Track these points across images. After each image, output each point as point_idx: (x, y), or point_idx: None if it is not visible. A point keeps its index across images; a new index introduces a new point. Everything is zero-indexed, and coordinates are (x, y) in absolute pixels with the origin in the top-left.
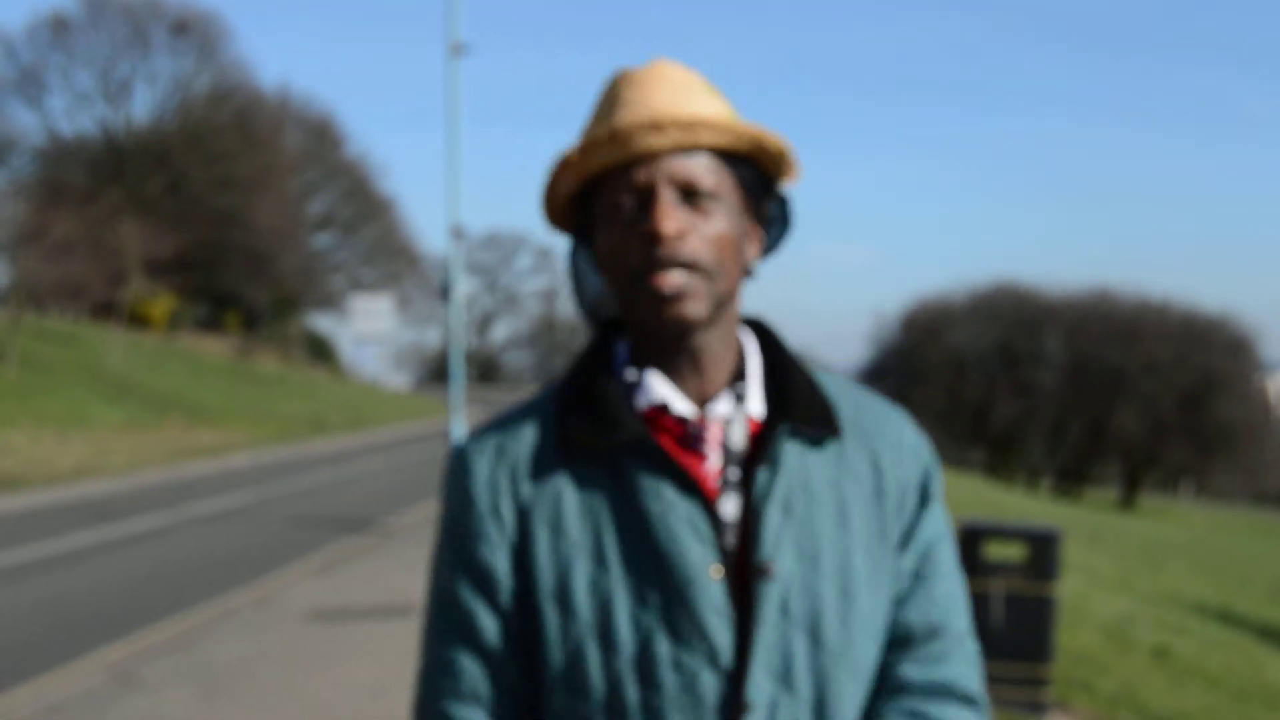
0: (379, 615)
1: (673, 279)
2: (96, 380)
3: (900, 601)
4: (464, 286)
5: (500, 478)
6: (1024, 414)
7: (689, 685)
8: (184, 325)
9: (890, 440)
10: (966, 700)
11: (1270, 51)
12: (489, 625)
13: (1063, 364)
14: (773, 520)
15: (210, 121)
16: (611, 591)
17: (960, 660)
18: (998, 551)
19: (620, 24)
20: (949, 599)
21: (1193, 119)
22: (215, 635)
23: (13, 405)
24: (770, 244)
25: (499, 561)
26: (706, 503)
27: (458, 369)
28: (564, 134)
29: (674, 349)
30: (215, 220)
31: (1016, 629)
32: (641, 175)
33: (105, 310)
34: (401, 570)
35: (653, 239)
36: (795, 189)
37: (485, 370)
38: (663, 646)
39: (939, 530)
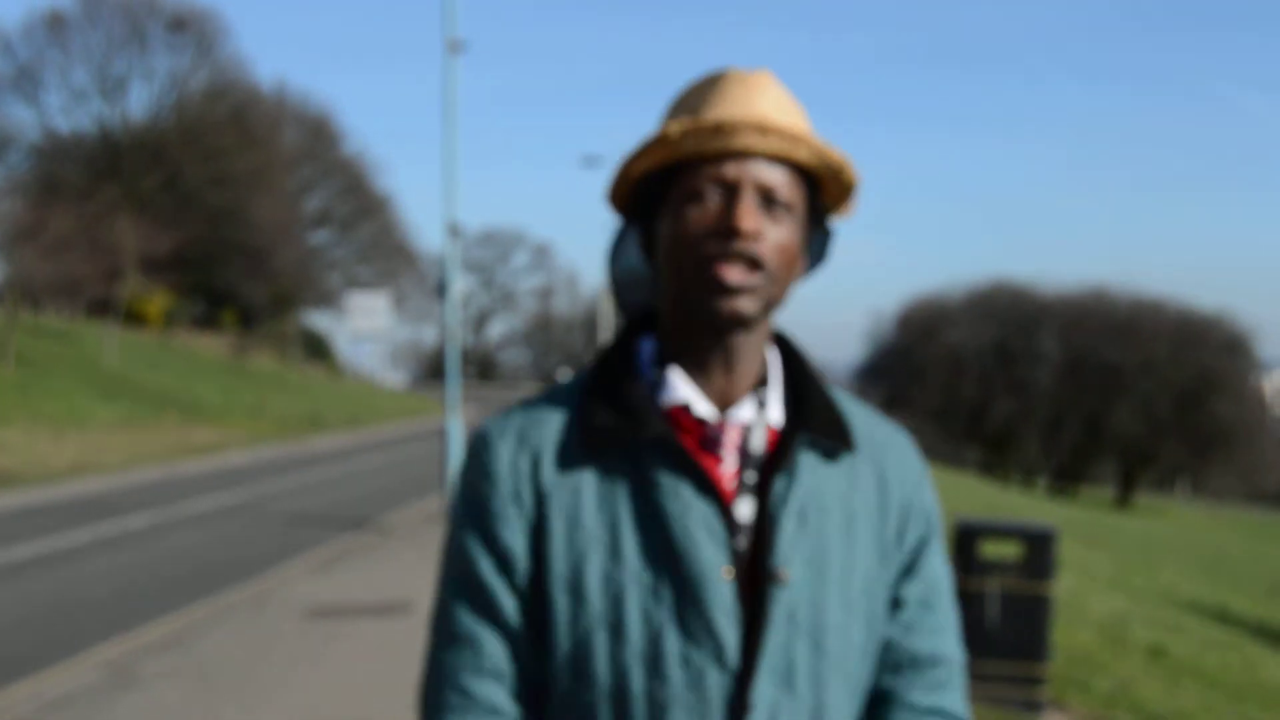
0: (376, 613)
1: (738, 273)
2: (92, 378)
3: (907, 627)
4: (460, 284)
5: (522, 463)
6: (1020, 412)
7: (695, 681)
8: (180, 322)
9: (897, 461)
10: None
11: (1268, 53)
12: (509, 605)
13: (1059, 362)
14: (788, 528)
15: (207, 118)
16: (624, 584)
17: (957, 689)
18: (993, 550)
19: (617, 23)
20: (948, 628)
21: (1189, 118)
22: (212, 633)
23: (8, 403)
24: (809, 269)
25: (518, 544)
26: (722, 505)
27: (454, 366)
28: (561, 131)
29: (708, 346)
30: (212, 217)
31: (1012, 628)
32: (732, 170)
33: (101, 307)
34: (399, 568)
35: (732, 232)
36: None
37: (484, 368)
38: (672, 641)
39: (942, 559)
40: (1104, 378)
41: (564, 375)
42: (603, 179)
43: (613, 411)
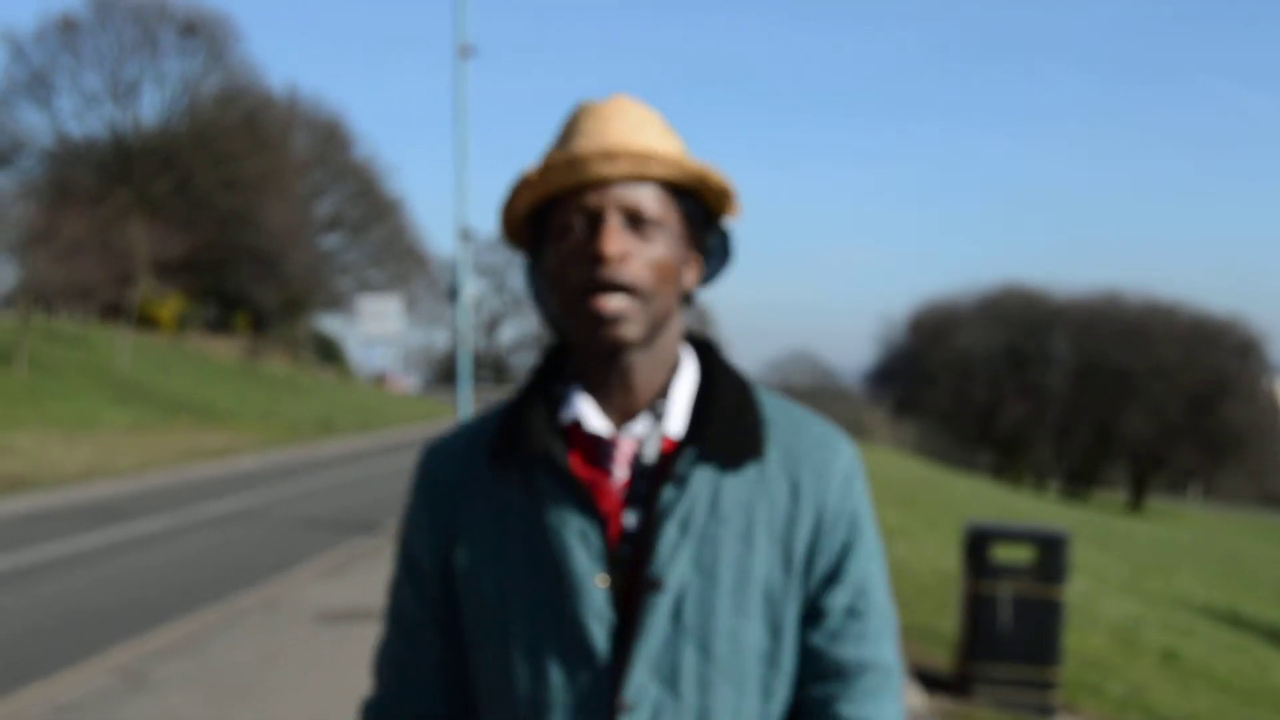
0: None
1: (612, 302)
2: (105, 382)
3: (832, 635)
4: (472, 288)
5: (441, 480)
6: (1032, 416)
7: (571, 682)
8: (192, 327)
9: (816, 467)
10: None
11: (1277, 56)
12: (412, 606)
13: (1071, 366)
14: (669, 535)
15: (219, 123)
16: (512, 591)
17: (887, 696)
18: (1005, 554)
19: (626, 28)
20: (880, 634)
21: (1200, 123)
22: (224, 637)
23: (21, 407)
24: (710, 273)
25: (425, 552)
26: (600, 518)
27: (465, 370)
28: None
29: (605, 367)
30: (223, 221)
31: (1024, 632)
32: (592, 199)
33: (114, 311)
34: None
35: (597, 259)
36: (805, 193)
37: (499, 372)
38: (550, 645)
39: (872, 564)
40: (1116, 381)
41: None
42: None
43: (513, 430)
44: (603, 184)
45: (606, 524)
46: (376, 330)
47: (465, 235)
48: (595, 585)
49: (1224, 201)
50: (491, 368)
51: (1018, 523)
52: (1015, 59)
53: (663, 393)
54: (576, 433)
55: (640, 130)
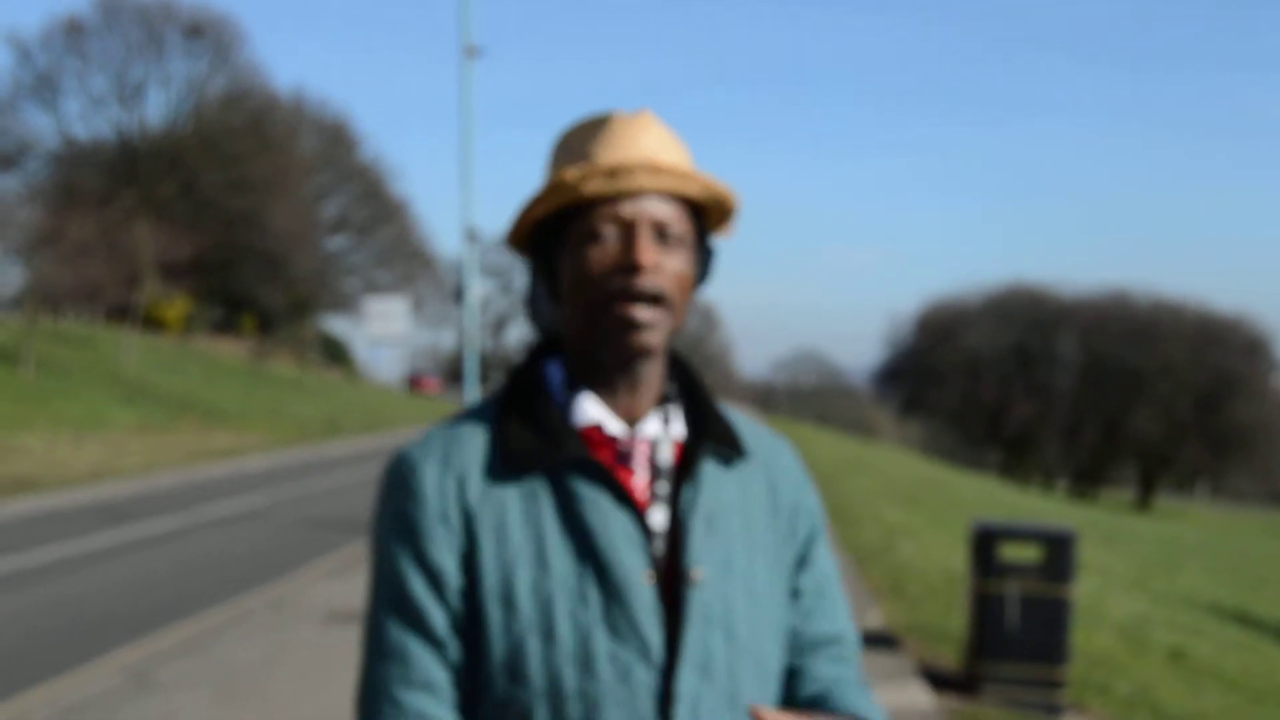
0: None
1: (644, 310)
2: (112, 382)
3: (807, 614)
4: (478, 289)
5: (448, 485)
6: (1039, 415)
7: (624, 676)
8: (199, 328)
9: (783, 468)
10: (861, 689)
11: None
12: (439, 619)
13: (1078, 365)
14: (698, 532)
15: (224, 124)
16: (553, 592)
17: (854, 662)
18: (1013, 553)
19: (633, 30)
20: (842, 612)
21: (1208, 121)
22: (230, 637)
23: (29, 407)
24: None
25: (448, 562)
26: (639, 515)
27: (472, 371)
28: None
29: (615, 372)
30: (230, 223)
31: (1032, 630)
32: (628, 209)
33: (120, 313)
34: None
35: (632, 268)
36: (809, 190)
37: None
38: (600, 642)
39: (829, 553)
40: (1123, 380)
41: None
42: None
43: (531, 433)
44: (639, 195)
45: (645, 521)
46: (383, 331)
47: (471, 236)
48: (643, 581)
49: (1231, 200)
50: (504, 368)
51: (1025, 522)
52: (1025, 55)
53: (664, 397)
54: (593, 435)
55: (673, 147)
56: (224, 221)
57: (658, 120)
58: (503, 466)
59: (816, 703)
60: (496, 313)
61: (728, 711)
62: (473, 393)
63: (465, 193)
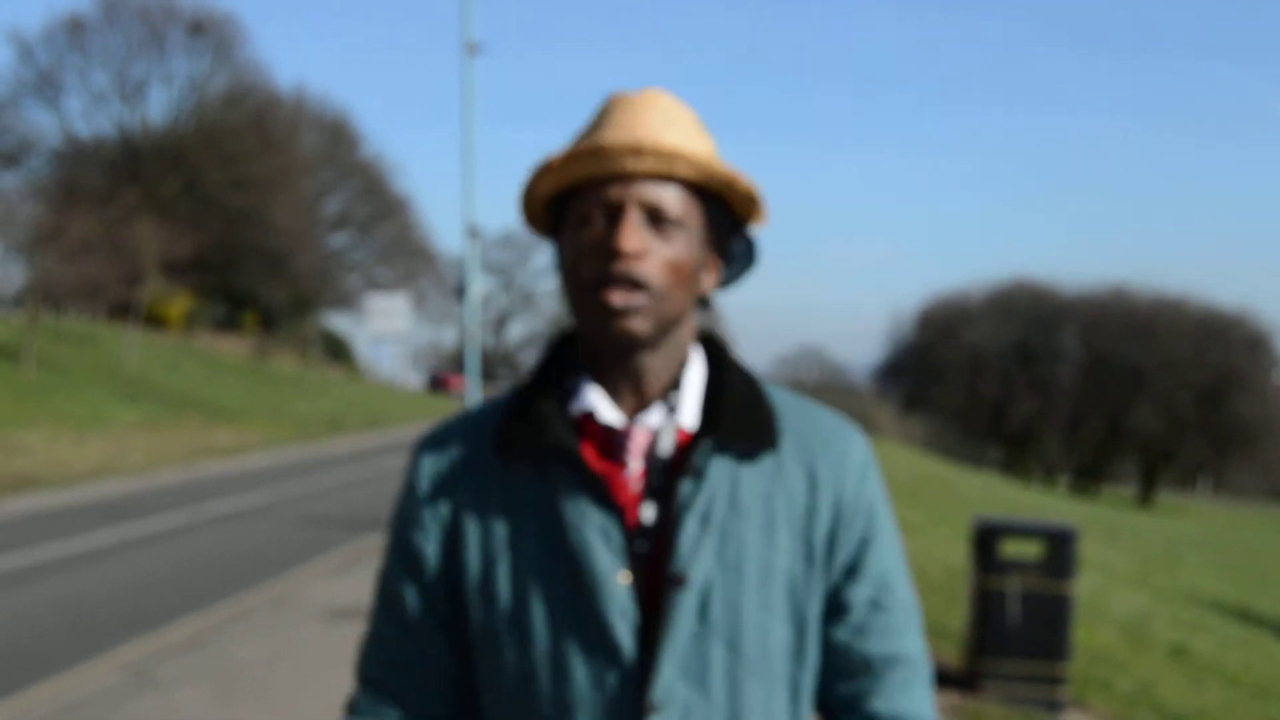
0: None
1: (622, 295)
2: (113, 380)
3: (858, 630)
4: (480, 285)
5: (442, 473)
6: (1041, 411)
7: (597, 682)
8: (201, 325)
9: (833, 459)
10: None
11: None
12: (414, 604)
13: (1080, 361)
14: (690, 529)
15: (226, 122)
16: (528, 588)
17: (919, 686)
18: (1014, 549)
19: (634, 25)
20: (905, 627)
21: (1209, 115)
22: (231, 635)
23: (30, 405)
24: (730, 278)
25: (429, 549)
26: (619, 512)
27: (474, 368)
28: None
29: (613, 361)
30: (231, 220)
31: (1033, 627)
32: (614, 193)
33: (122, 310)
34: None
35: (612, 254)
36: (809, 185)
37: (512, 370)
38: (573, 644)
39: (892, 555)
40: (1125, 376)
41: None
42: None
43: (523, 421)
44: (626, 178)
45: (624, 518)
46: (384, 328)
47: (473, 232)
48: (618, 582)
49: (1232, 195)
50: (507, 365)
51: (1026, 518)
52: (1024, 51)
53: (674, 386)
54: (589, 424)
55: (670, 127)
56: (226, 219)
57: (665, 98)
58: (494, 455)
59: None
60: (498, 310)
61: None
62: (475, 389)
63: (467, 189)
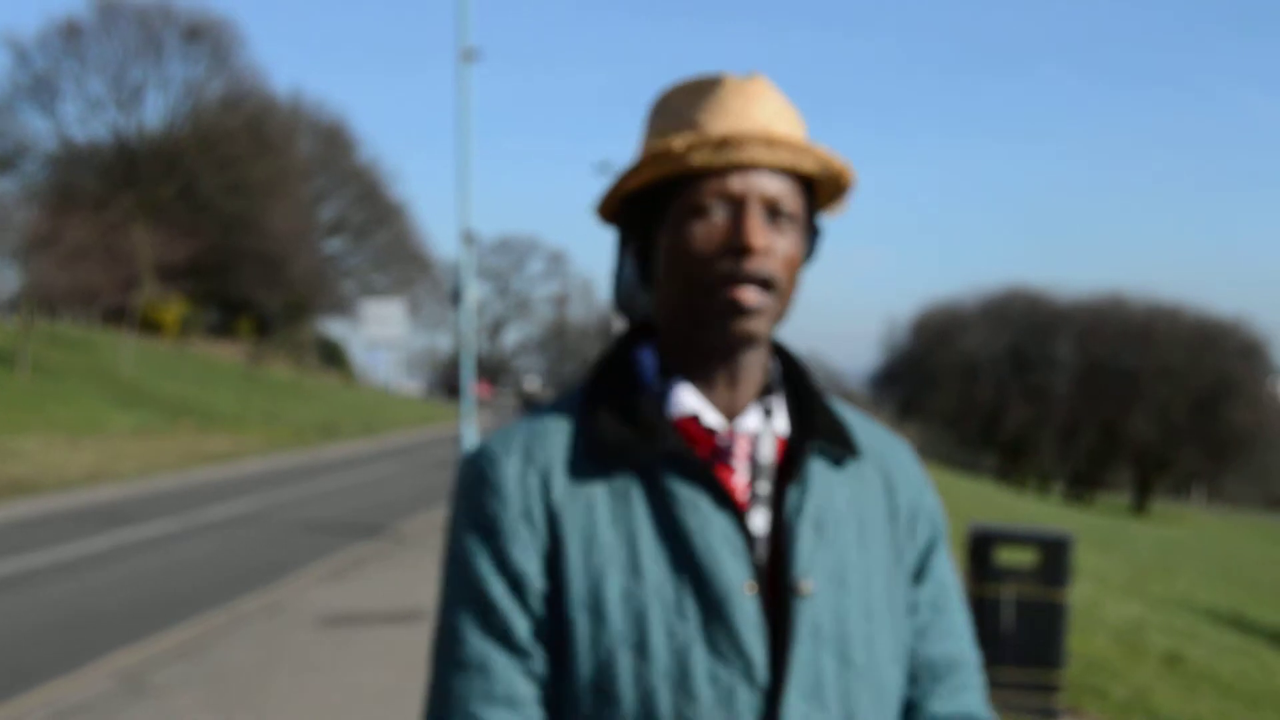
0: (391, 620)
1: (753, 295)
2: (109, 386)
3: (921, 632)
4: (475, 291)
5: (531, 480)
6: (1035, 419)
7: (725, 699)
8: (196, 331)
9: (900, 466)
10: None
11: None
12: (523, 628)
13: (1075, 368)
14: (806, 538)
15: (222, 127)
16: (646, 601)
17: (977, 690)
18: (1009, 557)
19: (631, 29)
20: (962, 631)
21: (1203, 124)
22: (226, 641)
23: (25, 411)
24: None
25: (532, 564)
26: (740, 518)
27: (469, 374)
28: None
29: (715, 361)
30: (227, 226)
31: (1027, 634)
32: (737, 184)
33: (117, 316)
34: (413, 576)
35: (743, 251)
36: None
37: (511, 376)
38: (699, 659)
39: (949, 564)
40: (1120, 384)
41: (532, 383)
42: None
43: (621, 424)
44: (750, 169)
45: (746, 525)
46: (380, 334)
47: (468, 239)
48: (745, 592)
49: (1227, 203)
50: (494, 371)
51: (1021, 525)
52: (1019, 63)
53: (766, 389)
54: (690, 428)
55: (789, 117)
56: (221, 224)
57: (773, 87)
58: (590, 461)
59: None
60: (493, 316)
61: None
62: (469, 395)
63: (463, 196)
